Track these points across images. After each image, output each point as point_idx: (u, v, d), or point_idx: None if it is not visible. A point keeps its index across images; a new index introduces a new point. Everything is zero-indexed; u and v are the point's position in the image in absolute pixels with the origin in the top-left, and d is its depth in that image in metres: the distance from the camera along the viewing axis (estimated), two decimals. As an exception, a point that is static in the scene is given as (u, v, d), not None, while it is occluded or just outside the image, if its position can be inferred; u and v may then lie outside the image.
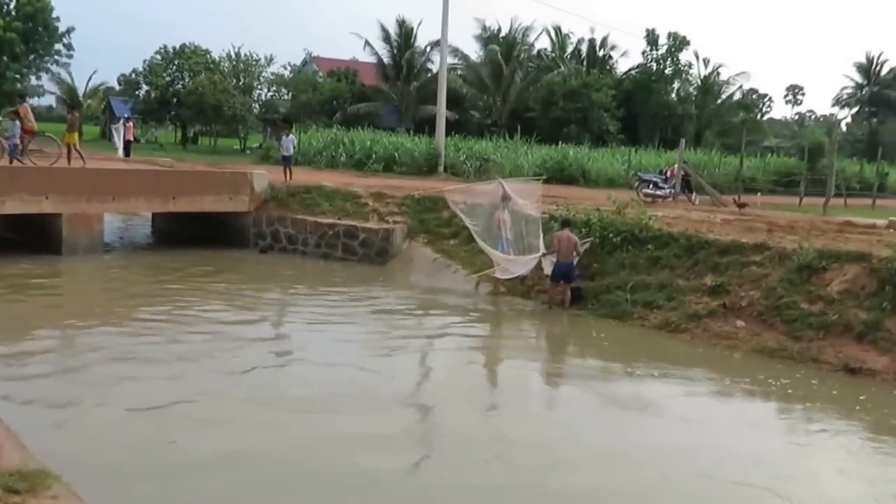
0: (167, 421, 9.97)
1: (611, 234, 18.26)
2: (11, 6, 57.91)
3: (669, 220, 19.53)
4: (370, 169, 37.10)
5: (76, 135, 24.90)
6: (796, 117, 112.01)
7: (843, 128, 77.57)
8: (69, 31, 61.46)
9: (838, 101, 78.07)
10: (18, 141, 22.53)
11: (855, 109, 77.14)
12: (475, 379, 13.42)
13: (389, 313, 17.25)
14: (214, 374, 12.22)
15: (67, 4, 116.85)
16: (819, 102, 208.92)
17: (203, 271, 20.61)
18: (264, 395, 11.25)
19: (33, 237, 21.39)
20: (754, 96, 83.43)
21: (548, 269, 17.62)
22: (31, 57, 60.80)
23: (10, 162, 21.98)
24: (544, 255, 17.67)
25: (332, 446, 9.49)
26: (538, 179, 20.21)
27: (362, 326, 16.04)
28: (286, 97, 64.72)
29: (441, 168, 36.05)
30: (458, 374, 13.40)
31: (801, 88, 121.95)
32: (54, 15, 59.78)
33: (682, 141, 30.33)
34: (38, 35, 59.46)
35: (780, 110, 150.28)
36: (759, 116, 75.70)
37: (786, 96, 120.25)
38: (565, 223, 17.86)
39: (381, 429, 10.13)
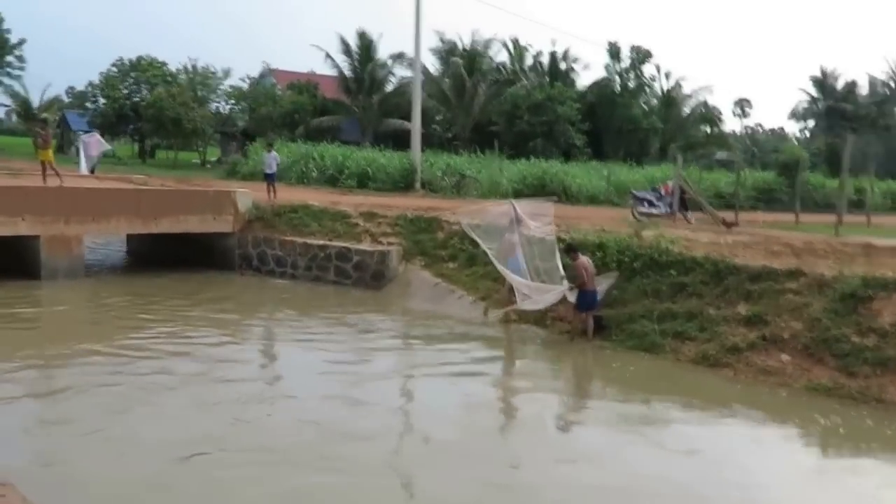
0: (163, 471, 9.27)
1: (628, 259, 17.41)
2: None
3: (686, 242, 18.64)
4: (343, 185, 35.99)
5: (50, 152, 23.55)
6: (746, 130, 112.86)
7: (795, 141, 78.41)
8: (20, 42, 60.13)
9: (794, 115, 78.90)
10: None
11: (812, 122, 78.04)
12: (495, 421, 12.35)
13: (391, 344, 16.38)
14: (202, 416, 11.23)
15: (17, 17, 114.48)
16: (767, 116, 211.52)
17: (189, 297, 19.56)
18: (254, 440, 10.34)
19: (10, 261, 20.11)
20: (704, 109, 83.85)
21: (571, 298, 16.39)
22: (-19, 69, 59.13)
23: None
24: (571, 289, 16.29)
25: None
26: (549, 199, 19.33)
27: (361, 359, 14.95)
28: (240, 110, 63.33)
29: (418, 184, 35.06)
30: (476, 417, 12.06)
31: (749, 102, 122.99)
32: (5, 26, 58.20)
33: (679, 157, 29.49)
34: (-12, 46, 57.79)
35: (727, 123, 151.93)
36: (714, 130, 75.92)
37: (734, 109, 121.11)
38: (570, 248, 16.77)
39: (382, 480, 9.37)
